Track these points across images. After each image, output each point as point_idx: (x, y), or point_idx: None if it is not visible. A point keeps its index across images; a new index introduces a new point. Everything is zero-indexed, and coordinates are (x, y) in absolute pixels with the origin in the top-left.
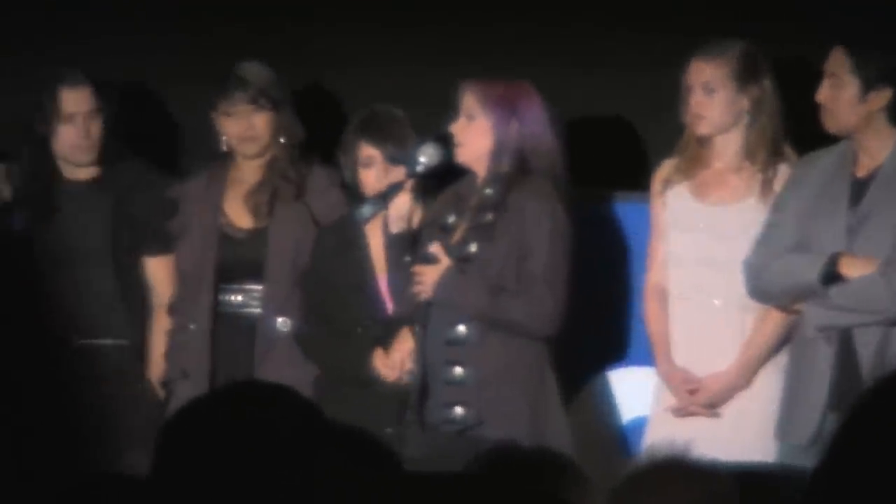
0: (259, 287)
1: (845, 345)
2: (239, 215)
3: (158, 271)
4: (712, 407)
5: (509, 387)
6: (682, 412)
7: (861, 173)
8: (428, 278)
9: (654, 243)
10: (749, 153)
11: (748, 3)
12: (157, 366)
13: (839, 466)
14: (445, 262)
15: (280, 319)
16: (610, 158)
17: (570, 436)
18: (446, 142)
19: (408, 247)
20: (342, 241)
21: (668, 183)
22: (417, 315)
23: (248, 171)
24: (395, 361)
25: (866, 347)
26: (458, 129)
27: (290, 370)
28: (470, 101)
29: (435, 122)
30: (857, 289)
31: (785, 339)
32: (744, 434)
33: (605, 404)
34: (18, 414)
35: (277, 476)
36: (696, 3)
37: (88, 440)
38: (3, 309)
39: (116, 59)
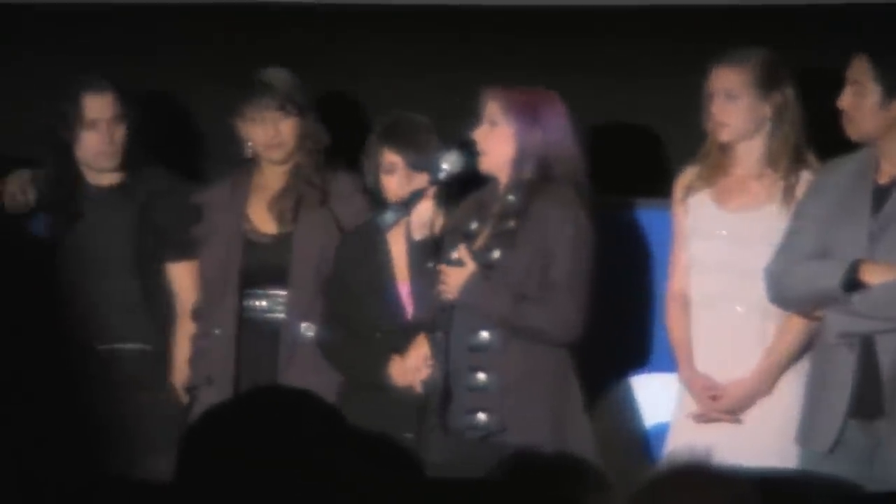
0: (283, 293)
1: (867, 351)
2: (263, 221)
3: (182, 277)
4: (734, 413)
5: (532, 393)
6: (703, 418)
7: (883, 180)
8: (453, 281)
9: (676, 250)
10: (771, 160)
11: (770, 10)
12: (180, 371)
13: None
14: (471, 266)
15: (304, 325)
16: (632, 165)
17: (594, 442)
18: (469, 149)
19: (430, 253)
20: (364, 246)
21: (689, 190)
22: (440, 321)
23: (273, 177)
24: (409, 368)
25: (888, 354)
26: (481, 135)
27: (314, 376)
28: (493, 108)
29: (458, 129)
30: (879, 295)
31: (806, 346)
32: (765, 440)
33: (627, 410)
34: (41, 418)
35: (299, 481)
36: (717, 11)
37: (111, 445)
38: (27, 314)
39: (139, 65)
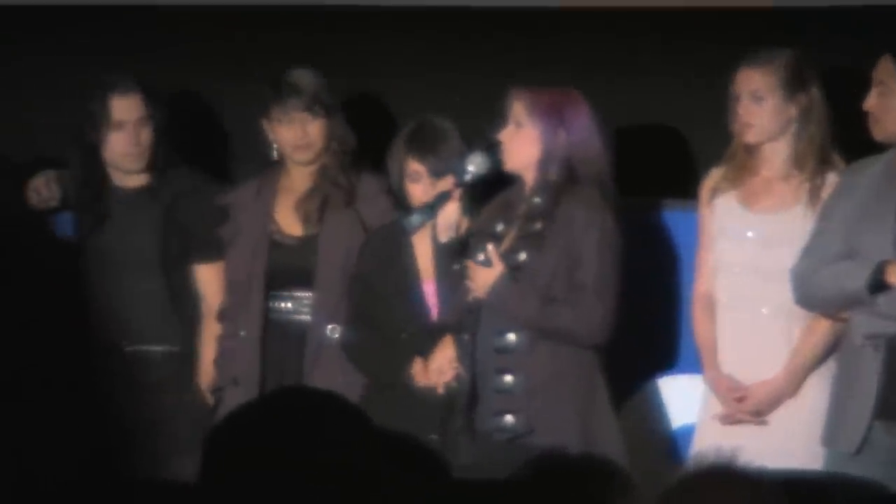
0: (309, 294)
1: (892, 353)
2: (289, 222)
3: (208, 278)
4: (759, 415)
5: (559, 394)
6: (729, 420)
7: None
8: (480, 280)
9: (702, 251)
10: (797, 161)
11: (797, 11)
12: (206, 373)
13: None
14: (499, 267)
15: (330, 326)
16: (658, 166)
17: (622, 443)
18: (494, 150)
19: (456, 255)
20: (389, 247)
21: (715, 191)
22: (467, 323)
23: (299, 179)
24: (434, 369)
25: None
26: (506, 136)
27: (340, 377)
28: (518, 108)
29: (483, 130)
30: None
31: (832, 348)
32: (791, 441)
33: (653, 411)
34: (67, 420)
35: (324, 482)
36: (744, 12)
37: (137, 446)
38: (54, 315)
39: (166, 67)
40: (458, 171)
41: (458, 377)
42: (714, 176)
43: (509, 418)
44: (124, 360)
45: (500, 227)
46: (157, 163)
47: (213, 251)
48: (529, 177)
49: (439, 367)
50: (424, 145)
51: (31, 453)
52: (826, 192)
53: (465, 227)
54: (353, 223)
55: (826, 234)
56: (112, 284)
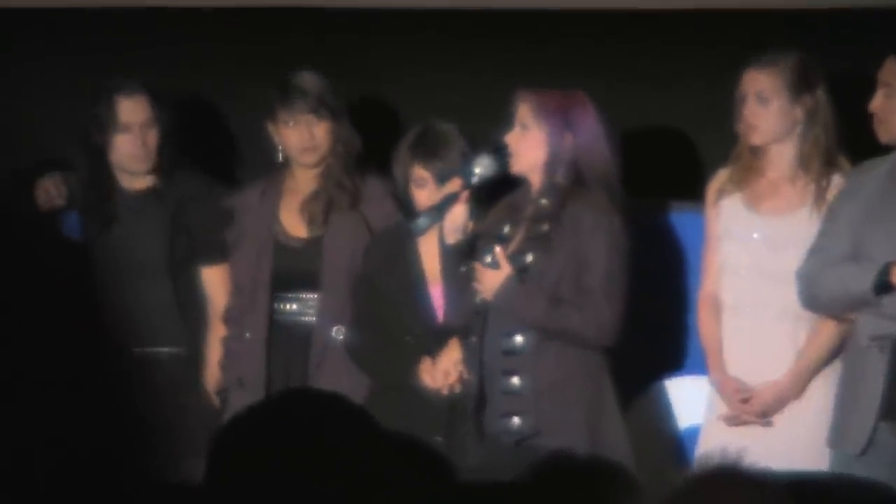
0: (314, 296)
1: None
2: (294, 225)
3: (214, 281)
4: (765, 416)
5: (566, 396)
6: (734, 421)
7: None
8: (488, 282)
9: (708, 253)
10: (803, 163)
11: (802, 13)
12: (212, 375)
13: None
14: (507, 269)
15: (335, 328)
16: (664, 168)
17: (629, 445)
18: (501, 152)
19: (463, 258)
20: (394, 249)
21: (721, 193)
22: (474, 325)
23: (304, 181)
24: (440, 371)
25: None
26: (513, 139)
27: (345, 378)
28: (524, 111)
29: (489, 132)
30: None
31: (838, 349)
32: (796, 443)
33: (660, 412)
34: (74, 421)
35: (329, 484)
36: (749, 14)
37: (144, 448)
38: (59, 316)
39: (172, 69)
40: (465, 174)
41: (462, 380)
42: (720, 178)
43: (516, 420)
44: (131, 361)
45: (506, 230)
46: (164, 165)
47: (219, 253)
48: (536, 179)
49: (445, 369)
50: (429, 151)
51: (36, 455)
52: (832, 194)
53: (471, 229)
54: (357, 225)
55: (831, 235)
56: (118, 286)
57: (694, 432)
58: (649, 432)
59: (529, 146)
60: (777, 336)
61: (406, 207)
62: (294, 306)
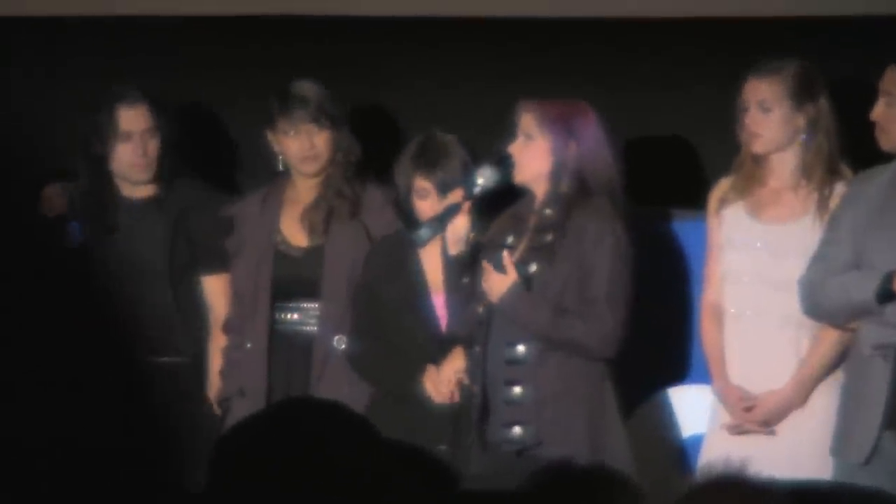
0: (315, 305)
1: None
2: (295, 234)
3: (216, 290)
4: (768, 425)
5: (569, 406)
6: (737, 430)
7: None
8: (495, 285)
9: (710, 262)
10: (805, 171)
11: (804, 21)
12: (214, 384)
13: None
14: (513, 275)
15: (336, 337)
16: (667, 177)
17: (631, 454)
18: (504, 163)
19: (466, 269)
20: (394, 257)
21: (724, 201)
22: (477, 334)
23: (304, 190)
24: (443, 380)
25: None
26: (516, 149)
27: (346, 388)
28: (528, 120)
29: (490, 141)
30: None
31: (841, 358)
32: (799, 452)
33: (664, 421)
34: (77, 429)
35: (331, 493)
36: (751, 22)
37: (147, 457)
38: (61, 325)
39: (172, 78)
40: (468, 185)
41: (462, 389)
42: (722, 186)
43: (518, 429)
44: (133, 370)
45: (510, 240)
46: (164, 174)
47: (220, 262)
48: (540, 189)
49: (450, 378)
50: (431, 162)
51: (39, 462)
52: (834, 203)
53: (473, 240)
54: (358, 234)
55: (834, 244)
56: (120, 295)
57: (697, 441)
58: (653, 441)
59: (534, 156)
60: (780, 344)
61: (407, 216)
62: (295, 316)
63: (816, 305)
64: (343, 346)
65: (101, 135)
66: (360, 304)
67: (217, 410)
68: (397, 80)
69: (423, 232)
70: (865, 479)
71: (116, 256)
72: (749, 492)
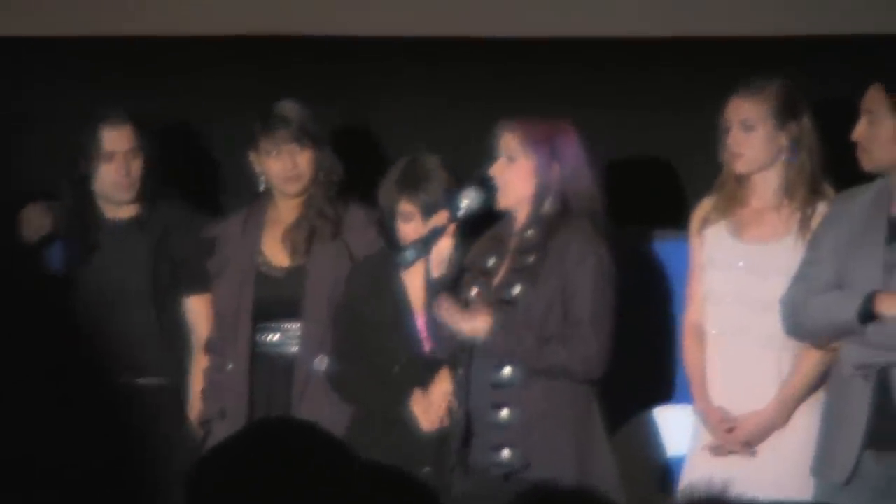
0: (297, 326)
1: (882, 383)
2: (276, 254)
3: (198, 310)
4: (749, 445)
5: (555, 428)
6: (719, 451)
7: None
8: (470, 330)
9: (693, 282)
10: (788, 191)
11: (787, 41)
12: (195, 405)
13: None
14: (486, 315)
15: (318, 358)
16: (648, 196)
17: (618, 476)
18: (488, 184)
19: (448, 291)
20: (376, 277)
21: (706, 221)
22: (461, 358)
23: (286, 210)
24: (434, 406)
25: None
26: (499, 170)
27: (327, 409)
28: (510, 141)
29: (471, 160)
30: (895, 327)
31: (823, 378)
32: (781, 472)
33: (648, 442)
34: (59, 452)
35: None
36: (734, 42)
37: (129, 479)
38: (43, 346)
39: (156, 98)
40: (452, 207)
41: (451, 411)
42: (704, 206)
43: (506, 453)
44: (114, 392)
45: (491, 262)
46: (147, 194)
47: (202, 283)
48: (523, 210)
49: (437, 404)
50: (415, 184)
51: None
52: (816, 222)
53: (455, 262)
54: (340, 254)
55: (816, 263)
56: (103, 316)
57: (682, 461)
58: (637, 461)
59: (517, 177)
60: (762, 364)
61: (389, 237)
62: (276, 336)
63: (798, 325)
64: (324, 367)
65: (84, 155)
66: (341, 325)
67: (198, 432)
68: (380, 100)
69: (408, 254)
70: (846, 500)
71: (98, 276)
72: None
